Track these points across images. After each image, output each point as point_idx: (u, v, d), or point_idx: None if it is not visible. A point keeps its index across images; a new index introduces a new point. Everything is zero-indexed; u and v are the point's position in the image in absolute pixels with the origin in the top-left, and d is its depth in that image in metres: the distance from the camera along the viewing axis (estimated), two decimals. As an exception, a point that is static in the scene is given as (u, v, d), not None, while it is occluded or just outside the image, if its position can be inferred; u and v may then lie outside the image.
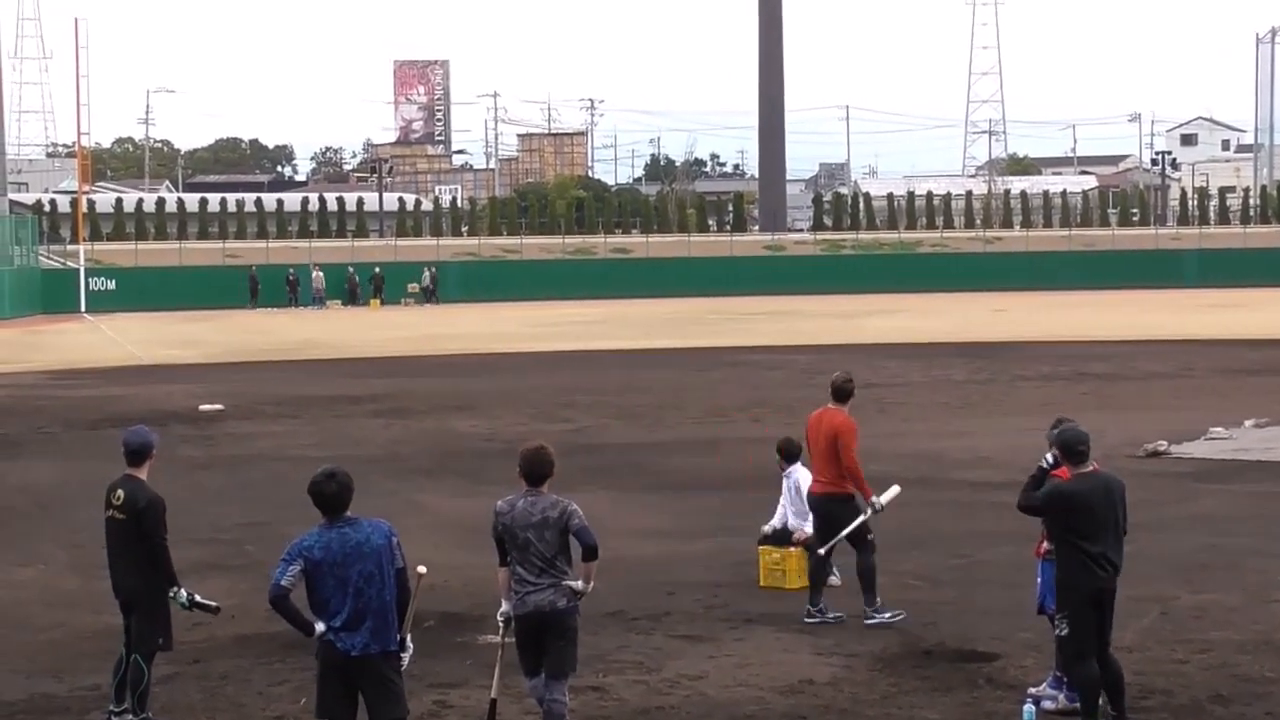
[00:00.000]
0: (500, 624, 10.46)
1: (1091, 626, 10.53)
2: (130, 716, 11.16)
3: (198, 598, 11.23)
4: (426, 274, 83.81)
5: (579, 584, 10.12)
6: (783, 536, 15.61)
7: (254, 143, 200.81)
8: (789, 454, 15.81)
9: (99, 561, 17.20)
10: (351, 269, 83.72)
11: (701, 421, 29.10)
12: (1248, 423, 26.86)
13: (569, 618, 10.15)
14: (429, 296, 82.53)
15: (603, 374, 39.23)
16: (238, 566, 16.56)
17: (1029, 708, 10.67)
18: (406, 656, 9.32)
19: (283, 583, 8.99)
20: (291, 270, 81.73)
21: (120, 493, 11.33)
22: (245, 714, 11.43)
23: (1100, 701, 10.63)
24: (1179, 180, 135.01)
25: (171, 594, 11.13)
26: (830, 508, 14.09)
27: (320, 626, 9.03)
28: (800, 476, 15.69)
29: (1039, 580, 11.56)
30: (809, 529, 15.47)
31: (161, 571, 11.11)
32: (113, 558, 11.47)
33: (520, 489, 10.19)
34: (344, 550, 9.02)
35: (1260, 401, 29.71)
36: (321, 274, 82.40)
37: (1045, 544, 11.30)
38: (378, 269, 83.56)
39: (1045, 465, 10.83)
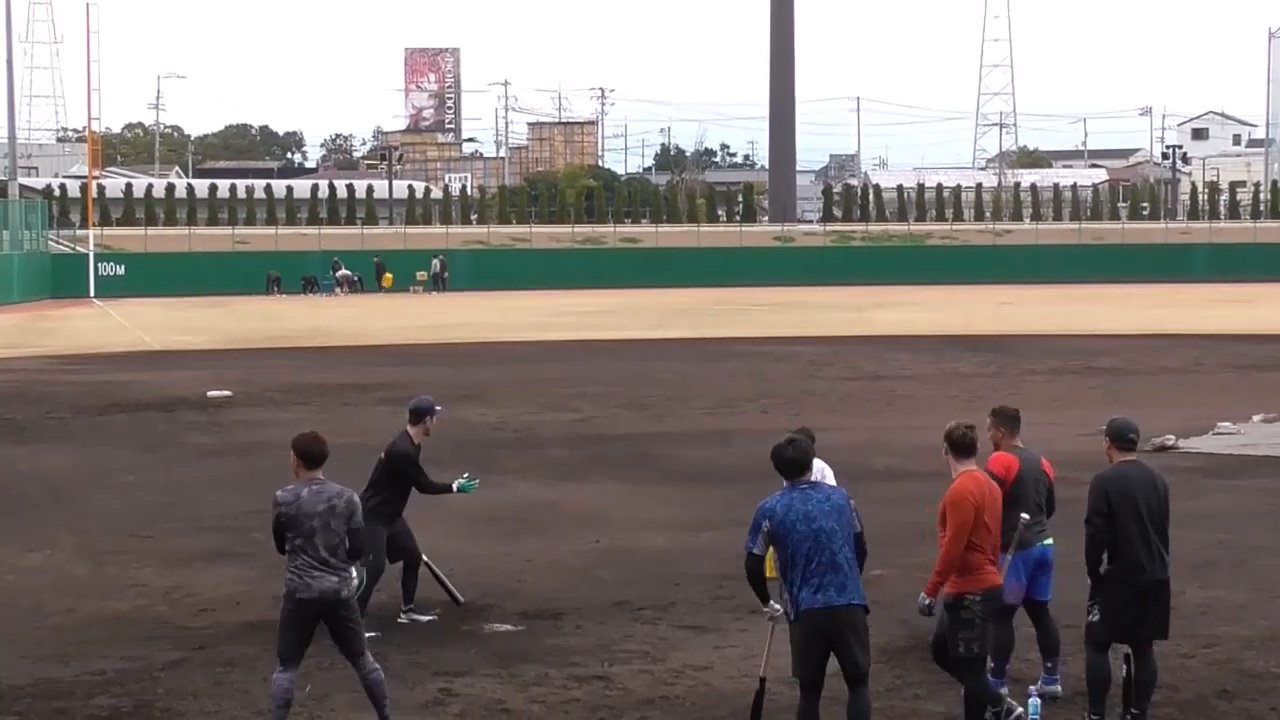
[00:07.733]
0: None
1: (1127, 620, 10.45)
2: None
3: (463, 481, 13.78)
4: (435, 262, 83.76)
5: (356, 577, 10.47)
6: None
7: (264, 129, 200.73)
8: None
9: (107, 547, 17.33)
10: (331, 260, 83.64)
11: (710, 412, 29.08)
12: (1256, 418, 26.81)
13: (352, 603, 10.41)
14: (438, 284, 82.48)
15: (611, 364, 39.22)
16: (245, 554, 16.56)
17: (1034, 701, 10.66)
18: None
19: (754, 550, 9.96)
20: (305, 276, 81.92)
21: None
22: (250, 700, 11.44)
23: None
24: (1189, 174, 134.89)
25: (457, 488, 13.71)
26: None
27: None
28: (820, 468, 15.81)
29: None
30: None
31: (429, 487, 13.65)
32: None
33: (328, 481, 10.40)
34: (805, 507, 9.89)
35: (1268, 397, 29.67)
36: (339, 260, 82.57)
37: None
38: (377, 258, 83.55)
39: None
